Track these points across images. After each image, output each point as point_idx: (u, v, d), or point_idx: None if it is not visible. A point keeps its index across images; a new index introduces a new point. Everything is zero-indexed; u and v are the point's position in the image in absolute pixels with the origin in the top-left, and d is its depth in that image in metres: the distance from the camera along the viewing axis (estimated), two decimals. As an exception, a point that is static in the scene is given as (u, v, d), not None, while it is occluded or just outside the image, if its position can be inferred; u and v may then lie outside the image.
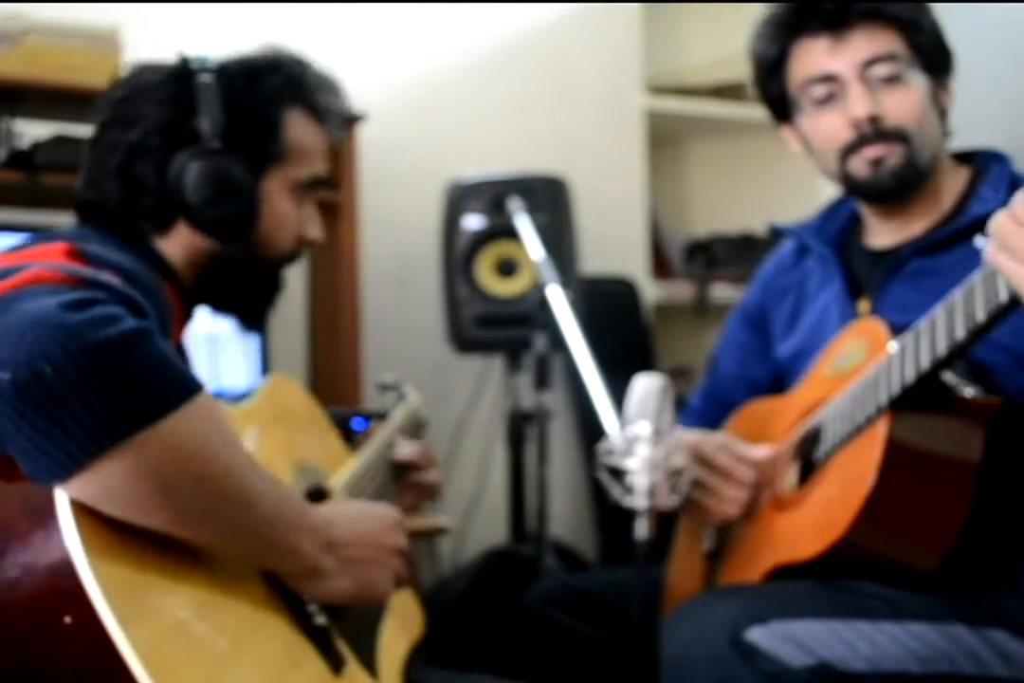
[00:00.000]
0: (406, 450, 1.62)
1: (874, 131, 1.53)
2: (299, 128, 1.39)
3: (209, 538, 0.96)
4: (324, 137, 1.43)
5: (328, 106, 1.43)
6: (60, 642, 0.85)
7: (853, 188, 1.60)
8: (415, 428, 1.81)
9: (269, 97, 1.37)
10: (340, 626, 1.16)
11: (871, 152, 1.54)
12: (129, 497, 0.89)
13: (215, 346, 1.90)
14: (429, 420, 1.88)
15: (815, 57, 1.57)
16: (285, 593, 1.07)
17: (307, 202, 1.43)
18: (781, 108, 1.67)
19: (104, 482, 0.88)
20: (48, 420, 0.84)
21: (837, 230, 1.71)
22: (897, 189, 1.56)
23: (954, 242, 1.52)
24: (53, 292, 0.89)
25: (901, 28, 1.55)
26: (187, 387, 0.91)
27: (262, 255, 1.38)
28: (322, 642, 1.11)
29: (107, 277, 0.96)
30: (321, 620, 1.12)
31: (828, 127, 1.57)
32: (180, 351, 1.31)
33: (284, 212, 1.39)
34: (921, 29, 1.56)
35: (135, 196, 1.32)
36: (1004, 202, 1.47)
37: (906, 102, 1.54)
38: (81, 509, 0.88)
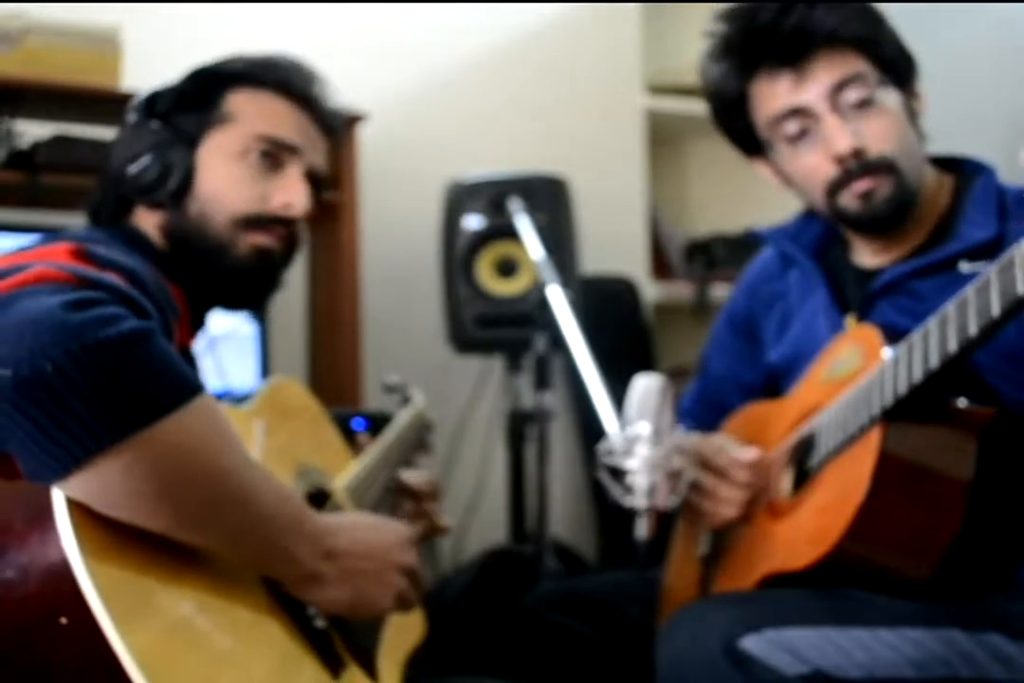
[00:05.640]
0: (413, 478, 1.61)
1: (859, 165, 1.47)
2: (239, 96, 1.43)
3: (207, 540, 0.96)
4: (272, 100, 1.44)
5: (278, 75, 1.46)
6: (56, 643, 0.84)
7: (846, 222, 1.55)
8: (422, 430, 1.81)
9: (221, 76, 1.44)
10: (341, 629, 1.15)
11: (860, 186, 1.48)
12: (128, 497, 0.89)
13: (214, 348, 1.90)
14: (435, 423, 1.87)
15: (779, 93, 1.50)
16: (285, 597, 1.06)
17: (275, 169, 1.44)
18: (749, 143, 1.60)
19: (103, 481, 0.87)
20: (48, 417, 0.84)
21: (816, 235, 1.68)
22: (892, 217, 1.51)
23: (942, 267, 1.48)
24: (56, 291, 0.89)
25: (862, 47, 1.49)
26: (188, 387, 0.91)
27: (212, 220, 1.39)
28: (321, 645, 1.10)
29: (111, 278, 0.96)
30: (321, 623, 1.11)
31: (809, 165, 1.51)
32: (187, 355, 1.31)
33: (223, 174, 1.41)
34: (882, 44, 1.50)
35: (108, 191, 1.43)
36: (996, 226, 1.45)
37: (884, 128, 1.48)
38: (79, 509, 0.88)
